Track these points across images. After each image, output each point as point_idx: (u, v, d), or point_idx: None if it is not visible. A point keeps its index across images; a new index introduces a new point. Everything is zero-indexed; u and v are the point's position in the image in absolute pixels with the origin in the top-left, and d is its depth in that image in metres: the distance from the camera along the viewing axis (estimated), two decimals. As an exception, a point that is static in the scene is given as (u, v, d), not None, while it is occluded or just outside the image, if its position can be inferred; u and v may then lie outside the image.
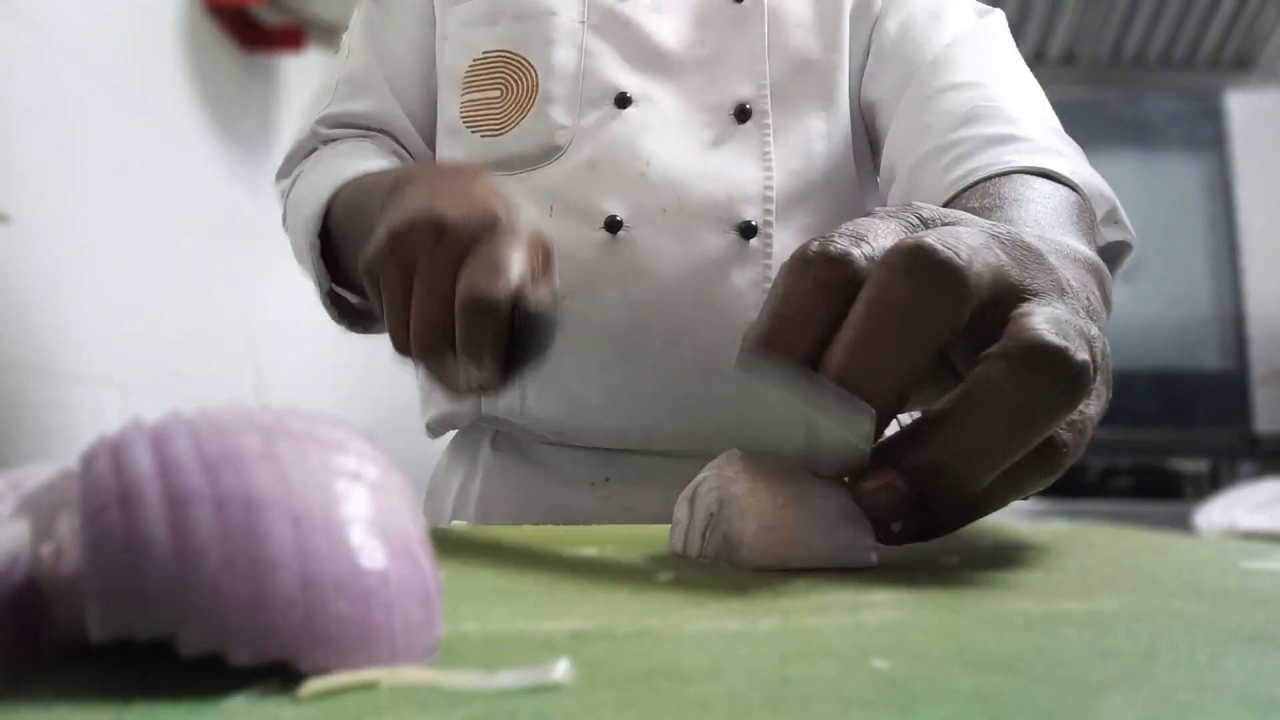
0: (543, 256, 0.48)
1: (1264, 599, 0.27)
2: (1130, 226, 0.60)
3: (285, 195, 0.75)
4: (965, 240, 0.30)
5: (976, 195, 0.54)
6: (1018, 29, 2.21)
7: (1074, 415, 0.31)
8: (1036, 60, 2.25)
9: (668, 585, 0.28)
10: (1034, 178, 0.53)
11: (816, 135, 0.69)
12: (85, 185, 0.99)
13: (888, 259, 0.30)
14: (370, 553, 0.17)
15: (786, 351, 0.31)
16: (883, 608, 0.24)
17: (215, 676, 0.16)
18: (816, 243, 0.32)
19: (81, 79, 0.99)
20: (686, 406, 0.36)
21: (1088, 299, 0.35)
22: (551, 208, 0.67)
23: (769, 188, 0.66)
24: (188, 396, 1.18)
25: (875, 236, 0.33)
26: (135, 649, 0.16)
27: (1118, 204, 0.58)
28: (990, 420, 0.28)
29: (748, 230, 0.65)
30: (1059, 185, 0.53)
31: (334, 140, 0.75)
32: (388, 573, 0.17)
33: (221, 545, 0.16)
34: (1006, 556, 0.37)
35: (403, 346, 0.48)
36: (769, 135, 0.68)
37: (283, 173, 0.77)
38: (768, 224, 0.66)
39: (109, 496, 0.16)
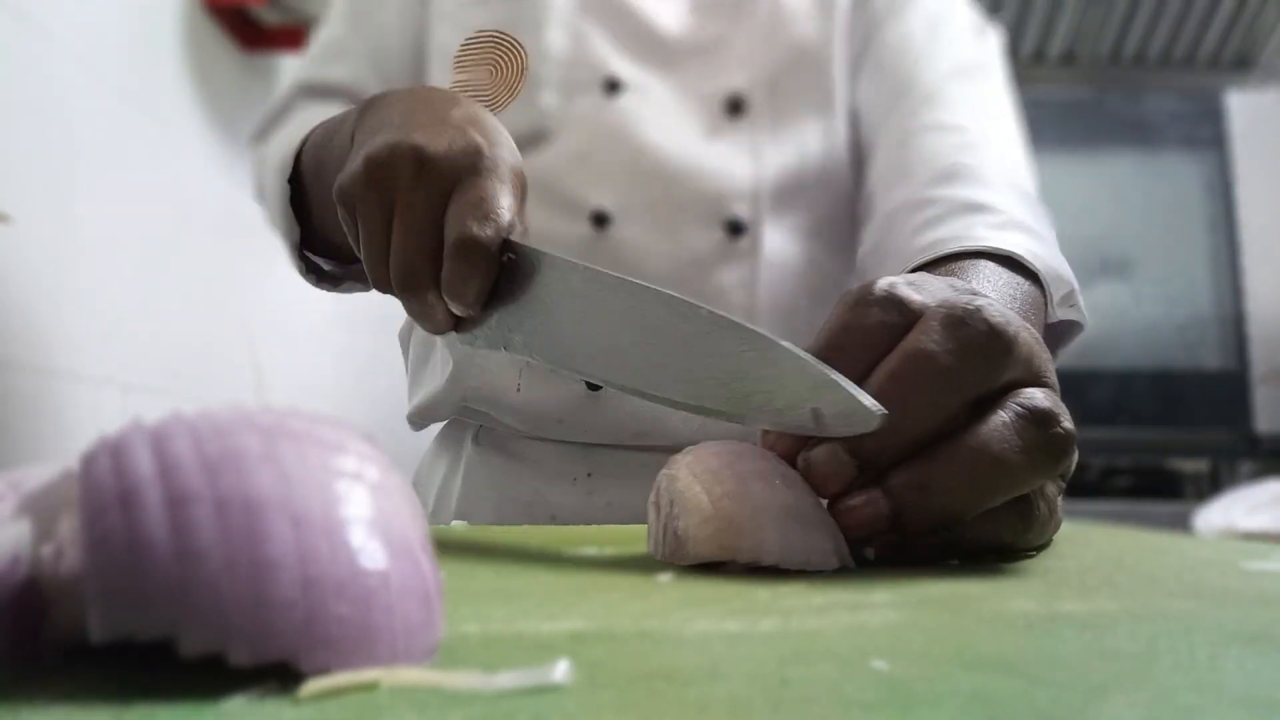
0: (521, 191, 0.46)
1: (1264, 599, 0.27)
2: (1084, 309, 0.60)
3: (258, 159, 0.73)
4: (1013, 318, 0.33)
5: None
6: (1018, 29, 2.21)
7: (1049, 492, 0.34)
8: (1036, 60, 2.25)
9: (667, 586, 0.28)
10: (995, 266, 0.55)
11: (811, 131, 0.68)
12: (85, 185, 0.99)
13: (948, 311, 0.32)
14: (371, 554, 0.17)
15: None
16: (883, 609, 0.24)
17: (215, 677, 0.16)
18: (884, 283, 0.34)
19: (81, 79, 0.99)
20: (684, 358, 0.35)
21: None
22: (539, 195, 0.65)
23: (759, 183, 0.66)
24: (188, 396, 1.18)
25: (937, 292, 0.34)
26: (135, 650, 0.16)
27: (1076, 287, 0.59)
28: (984, 463, 0.31)
29: (736, 227, 0.65)
30: (1017, 276, 0.55)
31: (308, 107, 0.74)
32: (388, 574, 0.17)
33: (222, 546, 0.16)
34: (1006, 557, 0.37)
35: (381, 280, 0.46)
36: (762, 130, 0.67)
37: (258, 135, 0.75)
38: (757, 222, 0.65)
39: (109, 497, 0.16)
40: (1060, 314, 0.57)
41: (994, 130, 0.67)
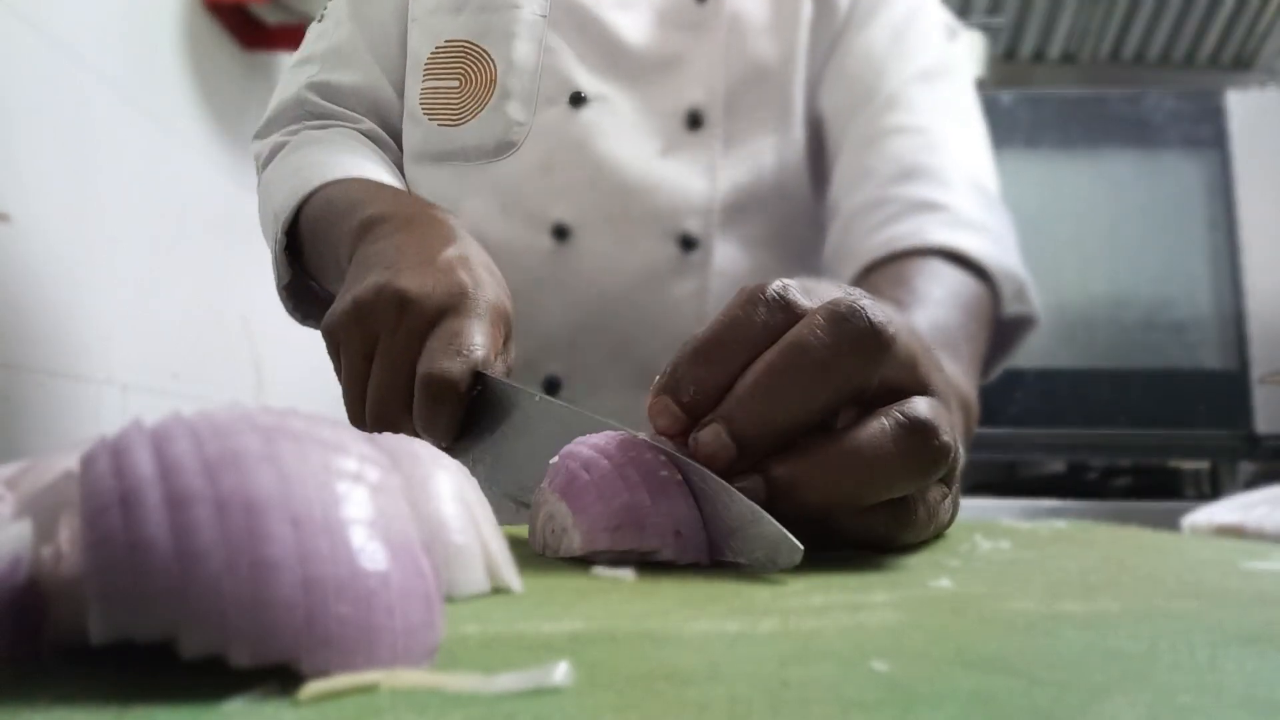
0: (505, 329, 0.49)
1: (1264, 599, 0.27)
2: (1036, 305, 0.63)
3: (261, 161, 0.74)
4: (898, 320, 0.33)
5: (889, 279, 0.57)
6: (1018, 29, 2.21)
7: (932, 496, 0.34)
8: (1036, 60, 2.25)
9: (667, 586, 0.28)
10: (946, 266, 0.57)
11: (767, 147, 0.69)
12: (85, 184, 0.99)
13: (831, 307, 0.32)
14: (371, 554, 0.17)
15: (716, 370, 0.33)
16: (882, 609, 0.24)
17: (215, 678, 0.16)
18: (777, 284, 0.34)
19: (81, 78, 0.99)
20: None
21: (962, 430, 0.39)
22: (503, 205, 0.68)
23: (713, 200, 0.67)
24: (188, 396, 1.18)
25: (826, 295, 0.34)
26: (135, 651, 0.16)
27: (1026, 284, 0.61)
28: (856, 465, 0.31)
29: (688, 242, 0.66)
30: (968, 277, 0.57)
31: (320, 116, 0.74)
32: (389, 574, 0.17)
33: (222, 547, 0.16)
34: (1006, 556, 0.37)
35: (357, 417, 0.49)
36: (718, 145, 0.68)
37: (262, 134, 0.76)
38: (709, 237, 0.66)
39: (110, 498, 0.16)
40: (1013, 309, 0.60)
41: (956, 132, 0.68)
